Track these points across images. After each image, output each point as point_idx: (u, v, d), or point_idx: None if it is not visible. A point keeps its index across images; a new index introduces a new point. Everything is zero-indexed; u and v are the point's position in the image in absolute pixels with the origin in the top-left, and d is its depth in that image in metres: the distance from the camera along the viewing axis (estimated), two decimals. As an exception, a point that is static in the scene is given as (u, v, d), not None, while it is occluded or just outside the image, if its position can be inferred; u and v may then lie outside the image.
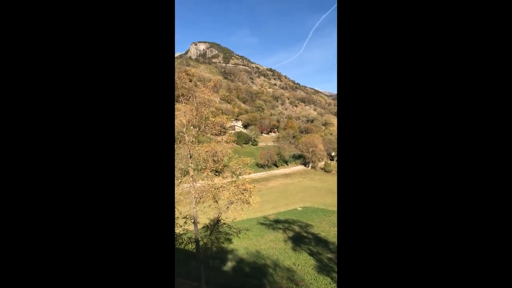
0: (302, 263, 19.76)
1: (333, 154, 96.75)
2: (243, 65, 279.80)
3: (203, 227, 13.52)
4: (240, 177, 12.30)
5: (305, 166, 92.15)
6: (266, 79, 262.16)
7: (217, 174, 12.98)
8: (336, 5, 2.62)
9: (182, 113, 11.82)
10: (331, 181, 68.15)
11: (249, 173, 12.51)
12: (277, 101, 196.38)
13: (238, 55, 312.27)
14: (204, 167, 12.24)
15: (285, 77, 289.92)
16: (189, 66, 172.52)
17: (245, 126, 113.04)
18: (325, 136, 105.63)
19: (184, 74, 13.22)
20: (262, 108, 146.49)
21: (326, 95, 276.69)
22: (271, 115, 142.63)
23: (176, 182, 12.90)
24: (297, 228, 29.33)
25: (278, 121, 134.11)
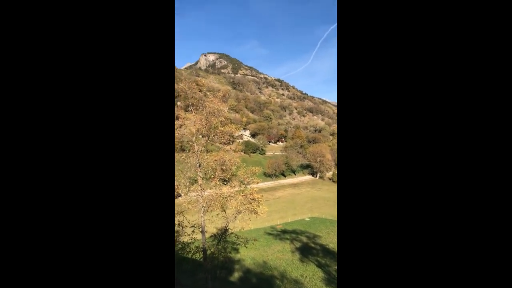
0: (310, 275, 19.40)
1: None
2: (251, 76, 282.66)
3: (211, 236, 13.51)
4: (248, 186, 12.33)
5: (313, 176, 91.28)
6: (274, 89, 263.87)
7: (225, 183, 13.05)
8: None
9: (192, 122, 12.02)
10: (340, 191, 66.76)
11: (257, 183, 12.54)
12: (285, 111, 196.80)
13: (246, 65, 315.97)
14: (212, 176, 12.33)
15: (293, 87, 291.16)
16: (198, 77, 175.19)
17: (253, 135, 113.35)
18: (333, 146, 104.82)
19: (194, 84, 13.50)
20: (270, 118, 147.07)
21: (334, 105, 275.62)
22: (278, 124, 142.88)
23: (184, 190, 13.01)
24: (304, 239, 28.91)
25: (285, 130, 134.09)
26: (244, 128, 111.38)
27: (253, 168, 12.38)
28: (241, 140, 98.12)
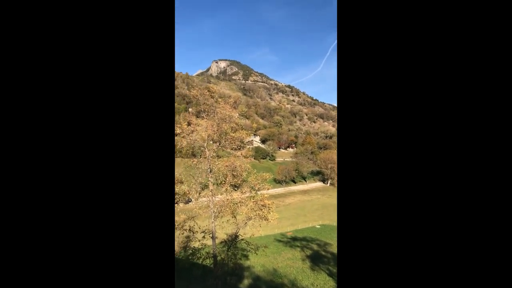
0: (321, 284, 19.02)
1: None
2: (262, 82, 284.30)
3: (221, 242, 13.49)
4: (258, 192, 12.30)
5: (323, 182, 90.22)
6: (284, 95, 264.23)
7: (235, 189, 13.05)
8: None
9: (204, 128, 12.14)
10: (351, 199, 65.65)
11: (268, 189, 12.49)
12: (295, 117, 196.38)
13: (257, 72, 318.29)
14: (223, 182, 12.37)
15: (304, 93, 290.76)
16: (210, 83, 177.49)
17: (263, 141, 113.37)
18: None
19: (206, 91, 13.68)
20: (280, 124, 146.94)
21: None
22: (289, 130, 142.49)
23: (195, 195, 13.09)
24: (315, 247, 28.45)
25: (296, 136, 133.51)
26: (254, 134, 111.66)
27: (264, 174, 12.35)
28: (251, 146, 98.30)
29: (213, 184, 12.20)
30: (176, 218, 12.15)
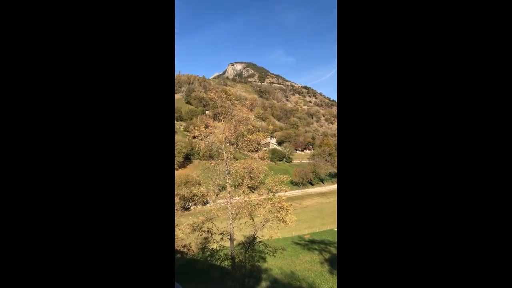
0: (341, 289, 18.59)
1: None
2: (278, 84, 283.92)
3: (239, 244, 13.52)
4: (276, 194, 12.24)
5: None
6: (301, 96, 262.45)
7: (252, 191, 13.07)
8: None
9: (221, 131, 12.26)
10: (371, 201, 64.05)
11: (286, 191, 12.41)
12: (312, 118, 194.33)
13: (273, 74, 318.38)
14: (240, 183, 12.42)
15: (321, 94, 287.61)
16: (226, 86, 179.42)
17: (279, 143, 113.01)
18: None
19: (223, 93, 13.84)
20: (297, 125, 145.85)
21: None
22: (305, 132, 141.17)
23: (213, 197, 13.22)
24: (333, 250, 27.90)
25: (313, 138, 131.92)
26: (270, 136, 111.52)
27: (282, 176, 12.29)
28: (267, 148, 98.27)
29: (231, 186, 12.27)
30: (195, 220, 12.31)
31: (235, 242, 12.52)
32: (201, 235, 12.53)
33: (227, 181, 12.26)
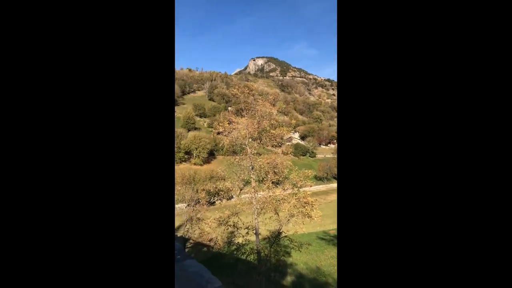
0: (368, 285, 18.19)
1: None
2: (300, 77, 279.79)
3: (264, 238, 13.61)
4: (300, 189, 12.13)
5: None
6: (324, 89, 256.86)
7: (277, 186, 13.03)
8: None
9: (245, 126, 12.30)
10: (399, 196, 61.72)
11: (310, 186, 12.26)
12: (336, 112, 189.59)
13: (295, 67, 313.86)
14: (264, 178, 12.44)
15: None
16: (248, 81, 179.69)
17: (302, 137, 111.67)
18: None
19: (245, 89, 13.84)
20: (320, 119, 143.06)
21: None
22: (329, 126, 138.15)
23: (237, 192, 13.38)
24: (360, 246, 27.23)
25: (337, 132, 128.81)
26: (293, 131, 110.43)
27: (306, 171, 12.14)
28: (289, 143, 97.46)
29: (255, 181, 12.32)
30: (220, 214, 12.53)
31: (260, 237, 12.60)
32: (227, 229, 12.74)
33: (251, 176, 12.32)
